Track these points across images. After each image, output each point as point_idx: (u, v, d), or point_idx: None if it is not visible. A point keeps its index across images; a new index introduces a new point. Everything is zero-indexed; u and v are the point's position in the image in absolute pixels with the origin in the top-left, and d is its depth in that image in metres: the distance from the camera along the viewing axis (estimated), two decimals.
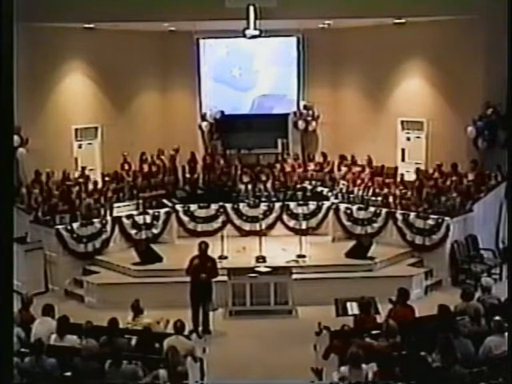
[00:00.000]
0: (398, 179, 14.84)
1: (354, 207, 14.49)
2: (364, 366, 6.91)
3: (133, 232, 14.20)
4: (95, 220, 13.59)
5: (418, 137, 15.71)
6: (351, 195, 14.78)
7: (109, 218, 13.88)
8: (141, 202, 14.66)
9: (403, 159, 15.97)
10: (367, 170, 15.26)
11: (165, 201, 15.01)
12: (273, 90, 17.32)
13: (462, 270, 12.93)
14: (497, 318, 7.60)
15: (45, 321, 8.33)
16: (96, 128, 15.82)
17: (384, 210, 14.04)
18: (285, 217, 15.02)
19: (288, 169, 15.90)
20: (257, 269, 12.06)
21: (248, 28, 13.64)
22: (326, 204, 14.89)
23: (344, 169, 15.62)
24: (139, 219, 14.31)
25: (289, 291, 11.72)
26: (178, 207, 14.93)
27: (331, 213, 14.76)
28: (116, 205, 14.29)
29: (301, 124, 16.76)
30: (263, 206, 15.04)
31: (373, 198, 14.43)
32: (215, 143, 17.15)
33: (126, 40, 15.64)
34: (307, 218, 14.81)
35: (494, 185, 13.80)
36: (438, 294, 12.48)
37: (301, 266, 12.62)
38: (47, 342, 7.74)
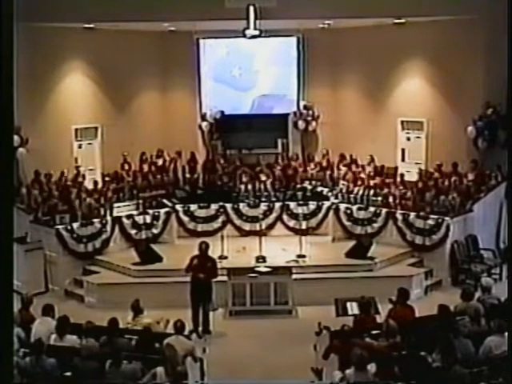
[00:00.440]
0: (398, 179, 14.84)
1: (354, 207, 14.50)
2: (367, 367, 6.91)
3: (133, 232, 14.20)
4: (95, 220, 13.59)
5: (418, 137, 15.71)
6: (351, 195, 14.78)
7: (109, 218, 13.87)
8: (141, 202, 14.67)
9: (403, 159, 15.97)
10: (367, 170, 15.27)
11: (165, 201, 15.01)
12: (273, 90, 17.32)
13: (462, 269, 12.93)
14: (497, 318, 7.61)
15: (45, 321, 8.33)
16: (96, 128, 15.82)
17: (384, 210, 14.04)
18: (285, 217, 15.02)
19: (290, 172, 15.83)
20: (257, 269, 12.06)
21: (248, 28, 13.65)
22: (326, 204, 14.89)
23: (344, 169, 15.63)
24: (139, 219, 14.32)
25: (289, 291, 11.72)
26: (178, 207, 14.93)
27: (331, 213, 14.76)
28: (116, 205, 14.29)
29: (301, 124, 16.76)
30: (263, 206, 15.04)
31: (373, 198, 14.44)
32: (215, 143, 17.17)
33: (126, 40, 15.65)
34: (307, 218, 14.81)
35: (494, 185, 13.80)
36: (438, 294, 12.48)
37: (301, 265, 12.62)
38: (47, 341, 7.73)
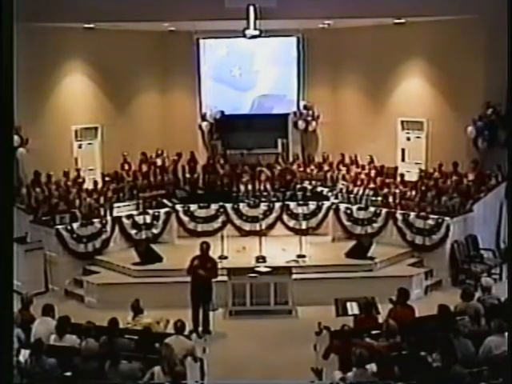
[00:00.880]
0: (398, 179, 14.84)
1: (354, 207, 14.50)
2: (367, 366, 6.91)
3: (133, 232, 14.20)
4: (95, 220, 13.59)
5: (418, 137, 15.71)
6: (351, 195, 14.78)
7: (109, 217, 13.88)
8: (141, 202, 14.67)
9: (403, 159, 15.97)
10: (367, 170, 15.27)
11: (165, 201, 15.01)
12: (273, 89, 17.32)
13: (462, 270, 12.93)
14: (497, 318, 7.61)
15: (45, 321, 8.33)
16: (96, 128, 15.81)
17: (384, 210, 14.05)
18: (285, 217, 15.02)
19: (289, 176, 15.80)
20: (257, 269, 12.06)
21: (248, 28, 13.65)
22: (326, 204, 14.90)
23: (344, 169, 15.63)
24: (139, 219, 14.32)
25: (289, 291, 11.72)
26: (178, 207, 14.93)
27: (331, 213, 14.77)
28: (116, 205, 14.31)
29: (301, 124, 16.76)
30: (263, 206, 15.04)
31: (373, 198, 14.44)
32: (215, 143, 17.17)
33: (126, 40, 15.64)
34: (307, 218, 14.82)
35: (494, 185, 13.81)
36: (438, 293, 12.49)
37: (301, 265, 12.62)
38: (47, 341, 7.73)
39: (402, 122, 15.91)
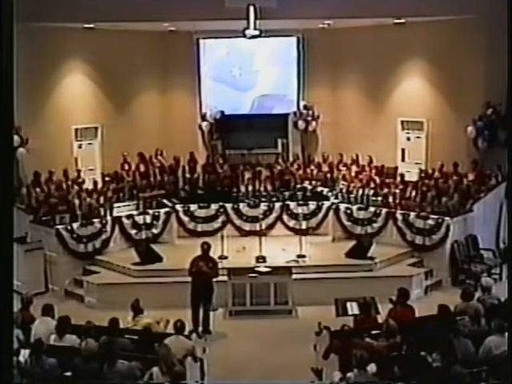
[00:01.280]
0: (398, 179, 14.84)
1: (354, 207, 14.50)
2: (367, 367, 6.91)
3: (133, 232, 14.20)
4: (95, 220, 13.59)
5: (418, 137, 15.71)
6: (351, 195, 14.78)
7: (109, 217, 13.88)
8: (141, 202, 14.66)
9: (403, 159, 15.97)
10: (367, 170, 15.27)
11: (165, 201, 15.01)
12: (273, 89, 17.31)
13: (462, 269, 12.93)
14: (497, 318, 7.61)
15: (45, 321, 8.33)
16: (96, 128, 15.81)
17: (384, 210, 14.05)
18: (285, 217, 15.02)
19: (287, 177, 15.80)
20: (257, 269, 12.06)
21: (248, 28, 13.64)
22: (326, 204, 14.90)
23: (344, 169, 15.63)
24: (139, 219, 14.32)
25: (289, 291, 11.72)
26: (178, 207, 14.93)
27: (331, 213, 14.77)
28: (116, 205, 14.30)
29: (301, 124, 16.76)
30: (263, 206, 15.04)
31: (373, 198, 14.43)
32: (215, 143, 17.16)
33: (126, 40, 15.63)
34: (307, 218, 14.82)
35: (494, 185, 13.81)
36: (438, 293, 12.49)
37: (301, 265, 12.62)
38: (47, 341, 7.73)
39: (402, 122, 15.91)
